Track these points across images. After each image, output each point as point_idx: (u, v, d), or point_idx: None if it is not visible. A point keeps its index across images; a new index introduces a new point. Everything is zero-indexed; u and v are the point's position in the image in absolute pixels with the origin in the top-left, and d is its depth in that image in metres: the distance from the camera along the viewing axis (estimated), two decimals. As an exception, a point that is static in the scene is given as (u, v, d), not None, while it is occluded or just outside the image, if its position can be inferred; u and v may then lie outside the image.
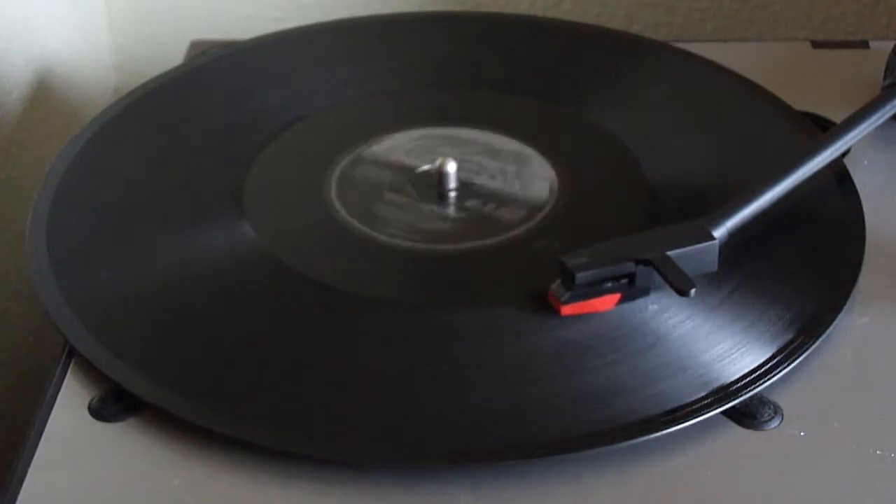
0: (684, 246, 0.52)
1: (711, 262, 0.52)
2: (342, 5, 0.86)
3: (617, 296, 0.51)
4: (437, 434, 0.48)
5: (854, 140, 0.59)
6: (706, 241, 0.52)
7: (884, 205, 0.59)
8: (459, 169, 0.60)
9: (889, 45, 0.66)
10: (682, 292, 0.49)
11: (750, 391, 0.49)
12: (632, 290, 0.51)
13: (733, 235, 0.53)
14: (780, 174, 0.56)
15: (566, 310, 0.51)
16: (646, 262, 0.51)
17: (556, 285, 0.51)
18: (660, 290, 0.51)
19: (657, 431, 0.47)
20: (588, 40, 0.71)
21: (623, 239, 0.52)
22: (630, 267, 0.51)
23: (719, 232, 0.53)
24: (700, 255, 0.52)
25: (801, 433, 0.48)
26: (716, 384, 0.49)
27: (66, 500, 0.46)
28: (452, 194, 0.59)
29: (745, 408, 0.48)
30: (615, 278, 0.51)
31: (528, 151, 0.62)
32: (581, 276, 0.50)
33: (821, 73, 0.70)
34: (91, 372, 0.50)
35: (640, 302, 0.52)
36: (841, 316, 0.52)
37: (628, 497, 0.46)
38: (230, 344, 0.51)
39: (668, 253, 0.51)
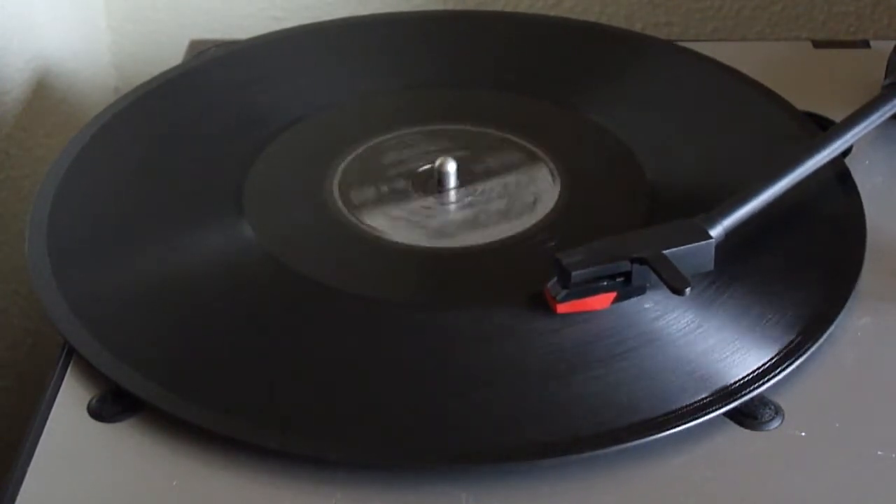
0: (680, 244, 0.52)
1: (708, 262, 0.52)
2: (342, 5, 0.86)
3: (612, 294, 0.51)
4: (437, 434, 0.48)
5: (853, 139, 0.58)
6: (702, 239, 0.52)
7: (885, 205, 0.59)
8: (459, 168, 0.60)
9: (890, 45, 0.66)
10: (678, 291, 0.49)
11: (751, 392, 0.48)
12: (627, 288, 0.51)
13: (734, 234, 0.53)
14: (778, 173, 0.56)
15: (562, 308, 0.51)
16: (641, 261, 0.51)
17: (552, 283, 0.51)
18: (660, 291, 0.51)
19: (658, 432, 0.47)
20: (589, 39, 0.71)
21: (619, 237, 0.52)
22: (626, 265, 0.51)
23: (716, 231, 0.53)
24: (696, 253, 0.52)
25: (802, 434, 0.48)
26: (716, 385, 0.49)
27: (65, 501, 0.46)
28: (452, 194, 0.59)
29: (746, 408, 0.48)
30: (611, 277, 0.51)
31: (529, 150, 0.62)
32: (577, 275, 0.50)
33: (821, 72, 0.70)
34: (90, 372, 0.50)
35: (640, 301, 0.52)
36: (842, 316, 0.52)
37: (629, 498, 0.46)
38: (230, 344, 0.51)
39: (664, 252, 0.51)
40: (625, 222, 0.57)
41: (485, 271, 0.55)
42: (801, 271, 0.55)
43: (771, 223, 0.56)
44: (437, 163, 0.60)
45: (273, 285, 0.54)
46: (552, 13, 0.85)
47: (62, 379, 0.50)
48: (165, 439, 0.47)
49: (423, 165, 0.61)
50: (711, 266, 0.52)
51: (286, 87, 0.67)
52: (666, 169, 0.60)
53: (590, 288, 0.51)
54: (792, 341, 0.51)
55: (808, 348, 0.50)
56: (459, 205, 0.59)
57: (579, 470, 0.46)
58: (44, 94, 0.79)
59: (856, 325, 0.53)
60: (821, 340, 0.51)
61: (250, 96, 0.66)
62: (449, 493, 0.46)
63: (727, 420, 0.48)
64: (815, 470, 0.46)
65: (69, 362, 0.51)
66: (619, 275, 0.51)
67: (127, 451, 0.47)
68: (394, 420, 0.48)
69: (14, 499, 0.45)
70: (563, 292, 0.51)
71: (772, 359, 0.50)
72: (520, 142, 0.63)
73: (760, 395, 0.49)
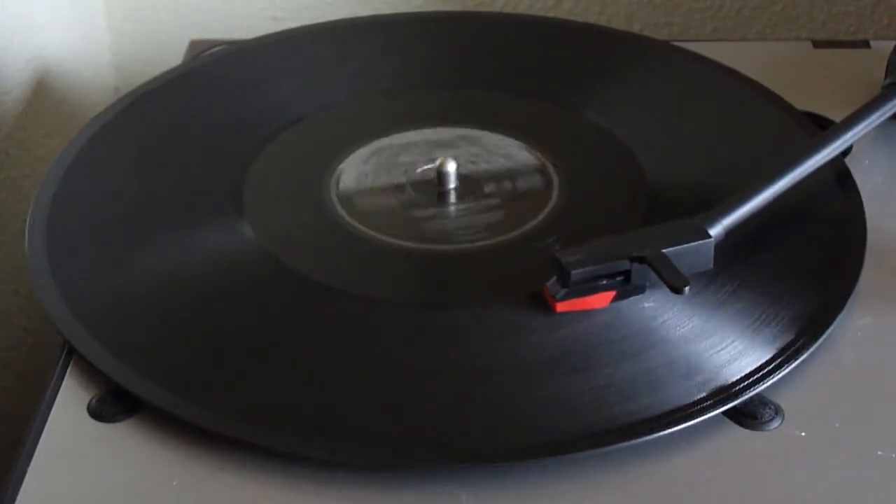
0: (680, 244, 0.52)
1: (707, 261, 0.52)
2: (342, 5, 0.86)
3: (612, 293, 0.51)
4: (437, 434, 0.48)
5: (853, 139, 0.58)
6: (702, 238, 0.52)
7: (885, 204, 0.59)
8: (459, 168, 0.60)
9: (890, 45, 0.66)
10: (677, 290, 0.49)
11: (750, 391, 0.48)
12: (627, 287, 0.51)
13: (734, 234, 0.53)
14: (778, 172, 0.56)
15: (561, 307, 0.51)
16: (641, 260, 0.51)
17: (551, 282, 0.51)
18: (660, 290, 0.51)
19: (657, 432, 0.47)
20: (588, 40, 0.71)
21: (618, 236, 0.52)
22: (625, 264, 0.51)
23: (715, 230, 0.53)
24: (696, 253, 0.52)
25: (802, 433, 0.48)
26: (716, 384, 0.49)
27: (65, 501, 0.46)
28: (452, 194, 0.59)
29: (746, 408, 0.48)
30: (610, 276, 0.51)
31: (528, 151, 0.62)
32: (576, 274, 0.50)
33: (821, 72, 0.70)
34: (90, 372, 0.50)
35: (640, 301, 0.52)
36: (842, 316, 0.52)
37: (628, 497, 0.46)
38: (230, 344, 0.51)
39: (664, 251, 0.51)
40: (625, 222, 0.57)
41: (485, 271, 0.55)
42: (801, 271, 0.55)
43: (771, 223, 0.56)
44: (437, 163, 0.60)
45: (273, 285, 0.54)
46: (552, 13, 0.85)
47: (62, 379, 0.50)
48: (165, 439, 0.47)
49: (423, 165, 0.61)
50: (711, 265, 0.53)
51: (286, 87, 0.67)
52: (666, 169, 0.60)
53: (589, 287, 0.51)
54: (792, 341, 0.51)
55: (809, 348, 0.50)
56: (459, 205, 0.59)
57: (579, 470, 0.46)
58: (44, 94, 0.79)
59: (856, 325, 0.53)
60: (821, 340, 0.51)
61: (250, 96, 0.66)
62: (449, 493, 0.46)
63: (727, 420, 0.48)
64: (815, 470, 0.46)
65: (69, 362, 0.51)
66: (619, 274, 0.51)
67: (127, 451, 0.47)
68: (394, 420, 0.48)
69: (14, 499, 0.45)
70: (563, 291, 0.51)
71: (772, 359, 0.50)
72: (519, 142, 0.63)
73: (760, 395, 0.49)
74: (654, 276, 0.51)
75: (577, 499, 0.46)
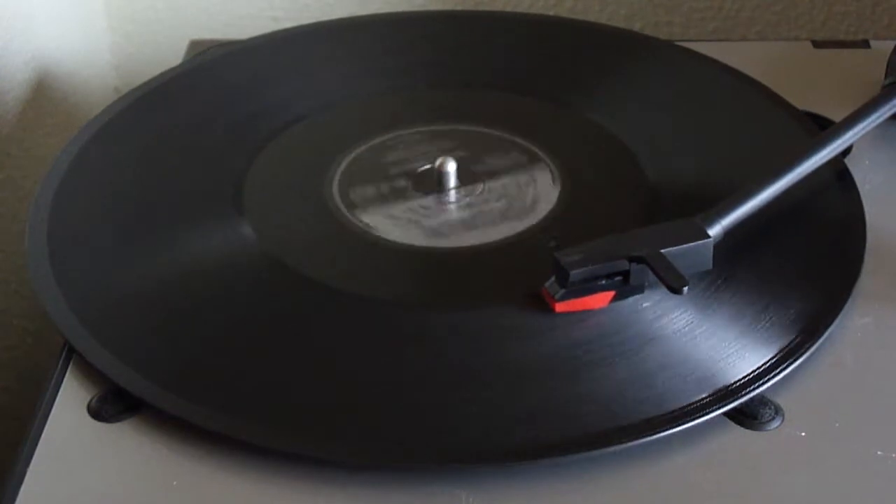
0: (679, 244, 0.52)
1: (706, 261, 0.52)
2: (342, 5, 0.86)
3: (611, 293, 0.51)
4: (437, 434, 0.48)
5: (853, 139, 0.59)
6: (701, 238, 0.52)
7: (885, 204, 0.59)
8: (459, 168, 0.60)
9: (890, 45, 0.66)
10: (675, 290, 0.49)
11: (751, 392, 0.48)
12: (626, 287, 0.51)
13: (733, 234, 0.53)
14: (777, 172, 0.56)
15: (560, 307, 0.51)
16: (639, 260, 0.51)
17: (550, 282, 0.51)
18: (659, 290, 0.51)
19: (658, 432, 0.47)
20: (589, 39, 0.71)
21: (617, 236, 0.52)
22: (624, 264, 0.51)
23: (714, 230, 0.53)
24: (695, 252, 0.52)
25: (802, 434, 0.48)
26: (716, 385, 0.49)
27: (65, 501, 0.46)
28: (452, 194, 0.59)
29: (746, 408, 0.48)
30: (609, 276, 0.51)
31: (529, 150, 0.62)
32: (575, 274, 0.50)
33: (821, 72, 0.70)
34: (90, 372, 0.50)
35: (639, 301, 0.52)
36: (841, 316, 0.52)
37: (629, 498, 0.46)
38: (230, 344, 0.51)
39: (663, 251, 0.51)
40: (625, 222, 0.57)
41: (485, 271, 0.55)
42: (801, 271, 0.55)
43: (771, 223, 0.56)
44: (437, 163, 0.60)
45: (273, 285, 0.54)
46: (552, 13, 0.85)
47: (62, 379, 0.50)
48: (165, 439, 0.47)
49: (423, 165, 0.61)
50: (710, 265, 0.52)
51: (286, 87, 0.67)
52: (666, 169, 0.60)
53: (588, 287, 0.51)
54: (792, 341, 0.51)
55: (809, 348, 0.50)
56: (459, 205, 0.59)
57: (579, 470, 0.46)
58: (44, 94, 0.79)
59: (856, 325, 0.53)
60: (821, 340, 0.51)
61: (250, 96, 0.66)
62: (449, 493, 0.46)
63: (727, 420, 0.48)
64: (815, 470, 0.46)
65: (69, 362, 0.51)
66: (618, 274, 0.51)
67: (127, 451, 0.47)
68: (394, 420, 0.48)
69: (14, 499, 0.45)
70: (562, 291, 0.51)
71: (772, 359, 0.50)
72: (520, 142, 0.63)
73: (760, 395, 0.49)
74: (652, 276, 0.51)
75: (578, 499, 0.45)
